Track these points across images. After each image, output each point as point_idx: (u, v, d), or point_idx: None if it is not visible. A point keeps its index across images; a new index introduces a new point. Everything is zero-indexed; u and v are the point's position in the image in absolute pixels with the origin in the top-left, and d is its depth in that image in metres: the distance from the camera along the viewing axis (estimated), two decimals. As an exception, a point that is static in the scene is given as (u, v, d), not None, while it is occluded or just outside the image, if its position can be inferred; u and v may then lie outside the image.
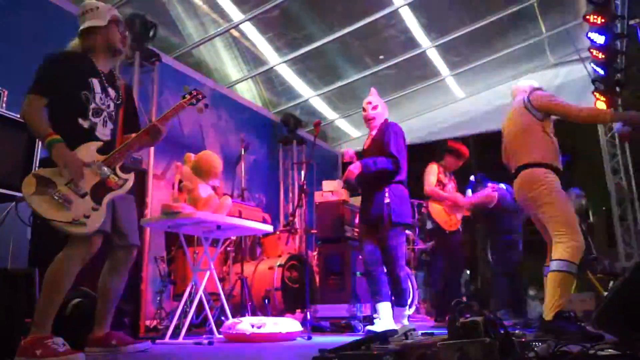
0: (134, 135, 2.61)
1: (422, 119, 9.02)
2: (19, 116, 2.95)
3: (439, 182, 5.03)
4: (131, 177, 2.59)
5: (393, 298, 3.53)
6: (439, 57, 7.57)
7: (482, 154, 17.15)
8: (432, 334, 2.46)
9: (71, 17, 4.65)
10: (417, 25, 6.72)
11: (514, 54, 7.57)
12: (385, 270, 3.53)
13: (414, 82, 8.09)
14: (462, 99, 8.69)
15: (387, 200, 3.52)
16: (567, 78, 7.88)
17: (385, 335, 1.88)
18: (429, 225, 5.16)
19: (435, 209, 4.97)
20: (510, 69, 8.04)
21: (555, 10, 6.86)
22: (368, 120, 3.98)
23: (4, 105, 3.19)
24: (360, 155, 3.96)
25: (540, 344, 1.83)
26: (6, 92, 3.23)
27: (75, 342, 2.41)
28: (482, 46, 7.43)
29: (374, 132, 3.95)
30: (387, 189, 3.59)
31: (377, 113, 3.96)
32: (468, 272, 6.96)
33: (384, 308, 3.46)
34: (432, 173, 5.05)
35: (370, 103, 3.99)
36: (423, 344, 1.85)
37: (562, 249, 2.93)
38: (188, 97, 2.91)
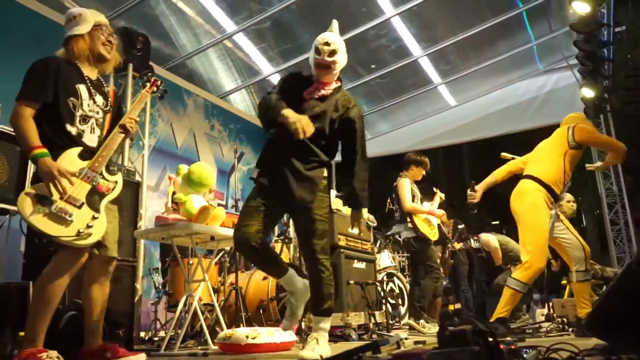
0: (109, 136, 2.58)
1: (414, 126, 9.10)
2: (11, 129, 2.97)
3: (413, 196, 5.11)
4: (120, 178, 2.58)
5: None
6: (431, 66, 7.66)
7: (475, 160, 17.29)
8: (424, 342, 2.49)
9: (64, 31, 4.67)
10: (408, 35, 6.80)
11: (504, 62, 7.67)
12: None
13: (406, 90, 8.18)
14: (454, 107, 8.78)
15: None
16: (557, 85, 7.99)
17: (377, 345, 1.91)
18: (405, 235, 5.20)
19: (418, 222, 5.05)
20: (500, 76, 8.15)
21: (543, 19, 6.96)
22: (322, 66, 2.76)
23: (-2, 119, 3.20)
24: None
25: (529, 350, 1.86)
26: (0, 106, 3.25)
27: (70, 355, 2.41)
28: (472, 55, 7.52)
29: (326, 90, 2.81)
30: None
31: (335, 60, 2.76)
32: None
33: None
34: (406, 188, 5.10)
35: (328, 45, 2.74)
36: (414, 352, 1.87)
37: (523, 271, 3.42)
38: (148, 86, 2.93)
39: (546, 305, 6.08)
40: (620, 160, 3.74)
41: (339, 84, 2.92)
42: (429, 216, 5.15)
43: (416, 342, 2.58)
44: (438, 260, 5.26)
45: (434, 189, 5.54)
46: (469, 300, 6.67)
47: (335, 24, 2.95)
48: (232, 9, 5.94)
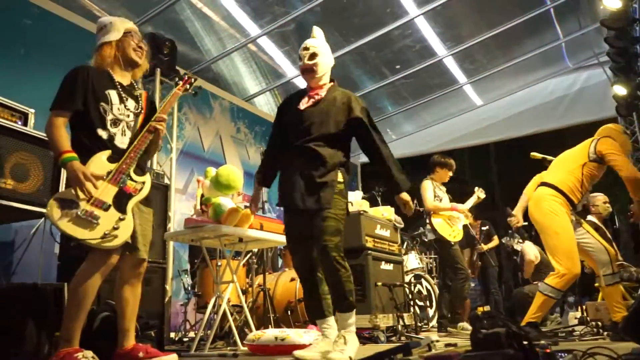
0: (137, 139, 2.62)
1: (439, 127, 9.04)
2: (45, 135, 3.05)
3: (435, 197, 5.07)
4: (148, 179, 2.62)
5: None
6: (456, 65, 7.58)
7: (501, 160, 17.02)
8: (455, 345, 2.46)
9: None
10: (432, 34, 6.75)
11: (532, 60, 7.54)
12: None
13: (431, 90, 8.12)
14: (480, 107, 8.67)
15: None
16: (587, 83, 7.82)
17: (409, 347, 1.89)
18: (429, 237, 5.21)
19: (437, 222, 4.99)
20: (528, 75, 8.02)
21: (572, 15, 6.83)
22: (305, 71, 2.88)
23: (32, 125, 3.29)
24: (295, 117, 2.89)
25: (565, 354, 1.82)
26: (34, 113, 3.34)
27: (104, 355, 2.45)
28: (498, 53, 7.42)
29: (318, 95, 2.88)
30: None
31: (316, 63, 2.85)
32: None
33: None
34: (428, 189, 5.10)
35: (307, 49, 2.88)
36: (446, 355, 1.86)
37: (557, 278, 3.32)
38: (181, 84, 2.97)
39: (579, 308, 5.94)
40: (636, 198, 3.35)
41: (332, 83, 2.97)
42: (456, 218, 5.08)
43: (447, 345, 2.56)
44: (464, 262, 5.17)
45: (476, 188, 5.45)
46: (499, 302, 6.57)
47: (315, 30, 3.02)
48: (256, 13, 5.99)
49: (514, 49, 7.37)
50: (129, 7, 5.43)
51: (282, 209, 2.94)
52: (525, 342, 1.62)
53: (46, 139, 3.07)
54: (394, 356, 1.89)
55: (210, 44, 6.40)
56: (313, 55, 2.85)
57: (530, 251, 6.04)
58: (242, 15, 6.02)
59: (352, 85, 7.59)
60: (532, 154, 4.07)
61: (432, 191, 5.08)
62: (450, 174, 5.26)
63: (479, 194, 5.37)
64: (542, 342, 2.62)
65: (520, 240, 6.29)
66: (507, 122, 8.35)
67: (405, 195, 2.84)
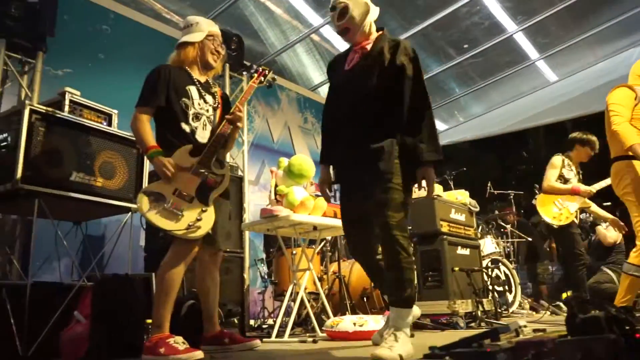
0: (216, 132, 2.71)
1: (510, 107, 8.66)
2: (129, 134, 3.22)
3: (561, 177, 4.68)
4: (227, 171, 2.72)
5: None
6: (527, 41, 7.21)
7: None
8: (544, 330, 2.36)
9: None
10: (500, 10, 6.46)
11: (610, 29, 7.02)
12: None
13: (502, 68, 7.78)
14: (555, 82, 8.22)
15: None
16: (675, 51, 7.21)
17: (497, 332, 1.84)
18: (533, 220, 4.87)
19: (542, 203, 4.67)
20: (606, 46, 7.49)
21: (657, -23, 6.30)
22: (341, 34, 2.52)
23: (116, 125, 3.49)
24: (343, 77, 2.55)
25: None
26: (117, 113, 3.53)
27: (192, 340, 2.57)
28: (573, 25, 6.97)
29: (363, 50, 2.51)
30: None
31: (348, 18, 2.45)
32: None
33: None
34: (554, 167, 4.72)
35: (334, 9, 2.49)
36: (538, 340, 1.78)
37: (637, 253, 3.12)
38: (255, 76, 3.02)
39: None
40: None
41: (381, 32, 2.56)
42: (572, 199, 4.67)
43: (535, 330, 2.46)
44: (582, 246, 4.74)
45: None
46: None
47: None
48: (317, 3, 5.99)
49: (590, 19, 6.90)
50: (196, 7, 5.60)
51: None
52: (627, 327, 1.53)
53: (129, 137, 3.26)
54: (482, 341, 1.83)
55: (274, 37, 6.47)
56: (343, 13, 2.43)
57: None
58: (303, 7, 6.04)
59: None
60: None
61: (559, 170, 4.71)
62: (592, 153, 4.85)
63: None
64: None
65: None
66: (585, 97, 7.86)
67: (430, 172, 2.30)
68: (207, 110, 2.75)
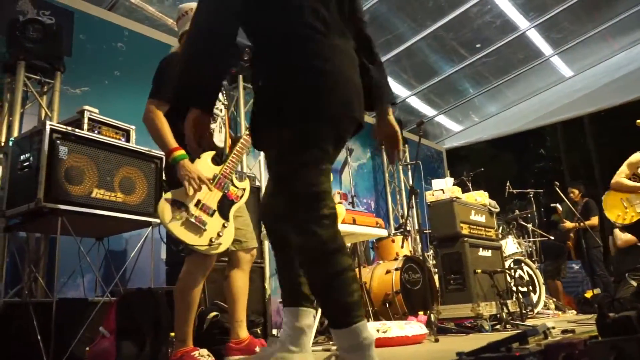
0: (238, 143, 2.61)
1: (526, 105, 8.59)
2: (147, 149, 3.25)
3: (633, 176, 4.33)
4: (247, 185, 2.63)
5: None
6: (540, 37, 7.15)
7: (598, 133, 15.85)
8: (573, 331, 2.32)
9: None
10: (512, 7, 6.42)
11: (625, 21, 6.94)
12: None
13: (514, 67, 7.73)
14: (571, 77, 8.12)
15: None
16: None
17: (525, 335, 1.81)
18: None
19: (609, 201, 4.40)
20: (622, 38, 7.39)
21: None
22: None
23: (133, 140, 3.53)
24: None
25: None
26: (134, 129, 3.57)
27: (216, 352, 2.56)
28: (586, 18, 6.90)
29: None
30: None
31: None
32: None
33: None
34: (629, 163, 4.35)
35: None
36: (568, 342, 1.75)
37: None
38: None
39: None
40: None
41: None
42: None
43: (564, 331, 2.42)
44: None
45: None
46: (609, 285, 6.10)
47: None
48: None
49: (604, 12, 6.82)
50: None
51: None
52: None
53: (148, 152, 3.28)
54: (511, 345, 1.80)
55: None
56: None
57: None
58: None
59: (429, 71, 7.40)
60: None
61: (633, 167, 4.34)
62: None
63: None
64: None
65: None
66: (603, 91, 7.75)
67: (392, 119, 1.78)
68: (221, 111, 2.62)
